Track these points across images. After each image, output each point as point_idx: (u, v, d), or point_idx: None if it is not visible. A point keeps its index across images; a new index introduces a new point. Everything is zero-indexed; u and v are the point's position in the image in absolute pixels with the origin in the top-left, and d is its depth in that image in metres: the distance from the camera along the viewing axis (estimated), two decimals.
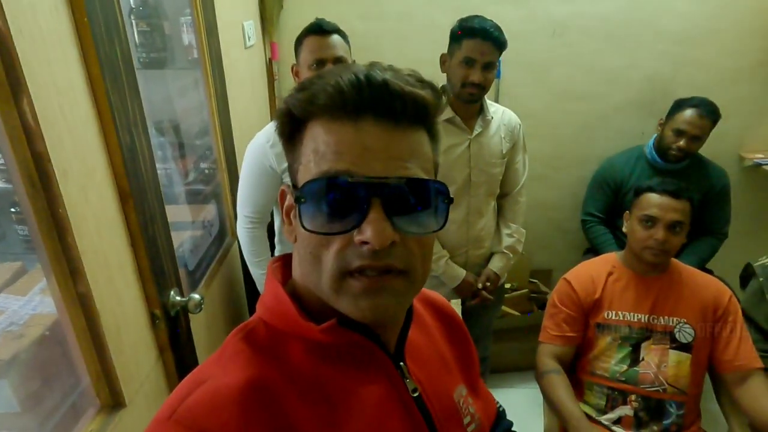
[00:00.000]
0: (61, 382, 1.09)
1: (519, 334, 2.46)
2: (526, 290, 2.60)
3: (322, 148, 0.47)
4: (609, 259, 1.60)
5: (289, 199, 0.54)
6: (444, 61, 1.63)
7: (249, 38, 2.02)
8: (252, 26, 2.06)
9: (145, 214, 1.05)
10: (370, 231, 0.45)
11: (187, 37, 1.69)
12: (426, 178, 0.49)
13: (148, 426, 0.47)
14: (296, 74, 1.57)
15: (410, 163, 0.48)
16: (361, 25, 2.31)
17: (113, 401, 0.99)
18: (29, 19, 0.74)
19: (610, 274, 1.55)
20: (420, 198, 0.48)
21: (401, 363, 0.57)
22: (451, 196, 0.50)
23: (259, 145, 1.51)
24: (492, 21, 1.55)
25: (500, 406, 0.79)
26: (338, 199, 0.46)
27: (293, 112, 0.50)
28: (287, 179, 0.56)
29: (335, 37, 1.48)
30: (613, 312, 1.51)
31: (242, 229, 1.58)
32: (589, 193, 2.41)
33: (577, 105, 2.51)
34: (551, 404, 1.46)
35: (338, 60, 1.47)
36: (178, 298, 1.17)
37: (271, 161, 1.48)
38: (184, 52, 1.71)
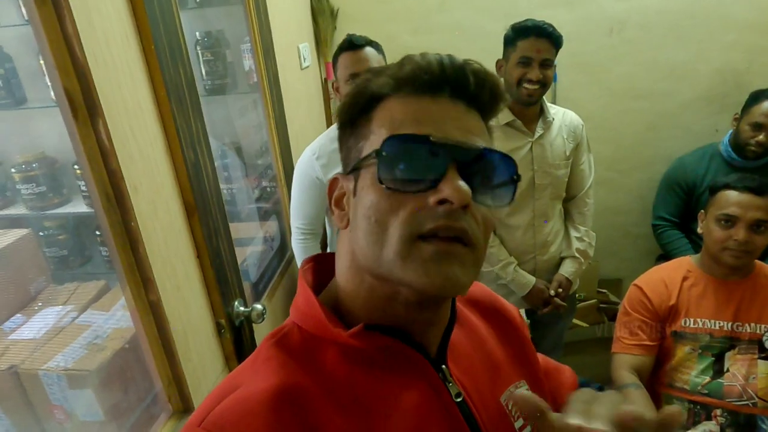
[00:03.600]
0: (138, 390, 1.16)
1: (588, 346, 2.35)
2: (595, 300, 2.48)
3: (399, 117, 0.49)
4: (683, 263, 1.50)
5: (343, 187, 0.54)
6: (500, 66, 1.62)
7: (304, 59, 2.10)
8: (307, 48, 2.14)
9: (209, 226, 1.11)
10: (450, 188, 0.45)
11: (247, 63, 1.79)
12: (497, 150, 0.50)
13: (181, 430, 0.48)
14: (336, 90, 1.61)
15: (479, 137, 0.50)
16: (412, 40, 2.33)
17: (183, 406, 1.03)
18: (103, 48, 0.81)
19: (685, 278, 1.45)
20: (493, 170, 0.49)
21: (443, 366, 0.55)
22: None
23: (306, 159, 1.57)
24: (545, 21, 1.53)
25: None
26: (418, 158, 0.47)
27: (370, 90, 0.51)
28: None
29: (367, 50, 1.52)
30: (691, 319, 1.41)
31: (295, 241, 1.63)
32: (660, 195, 2.28)
33: (640, 104, 2.40)
34: None
35: None
36: (242, 308, 1.22)
37: (318, 172, 1.53)
38: (245, 76, 1.81)
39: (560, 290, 1.73)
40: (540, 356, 0.72)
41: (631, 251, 2.64)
